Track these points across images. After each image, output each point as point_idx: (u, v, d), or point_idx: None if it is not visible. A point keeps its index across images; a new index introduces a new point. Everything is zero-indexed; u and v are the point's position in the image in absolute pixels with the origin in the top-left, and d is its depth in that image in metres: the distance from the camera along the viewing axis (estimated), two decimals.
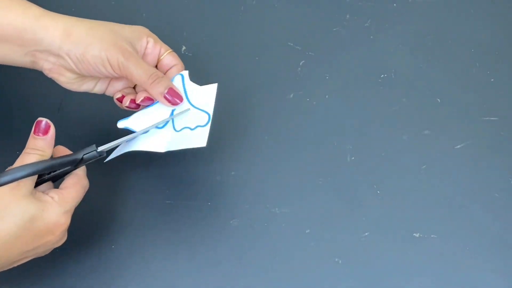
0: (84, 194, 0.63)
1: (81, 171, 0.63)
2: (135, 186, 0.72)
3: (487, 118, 0.76)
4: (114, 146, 0.64)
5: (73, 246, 0.69)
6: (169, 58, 0.68)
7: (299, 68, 0.79)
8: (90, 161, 0.63)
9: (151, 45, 0.67)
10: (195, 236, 0.69)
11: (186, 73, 0.68)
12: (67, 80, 0.66)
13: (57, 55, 0.64)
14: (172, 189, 0.72)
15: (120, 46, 0.63)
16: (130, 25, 0.67)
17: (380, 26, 0.81)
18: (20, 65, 0.66)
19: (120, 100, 0.68)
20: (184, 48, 0.80)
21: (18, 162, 0.60)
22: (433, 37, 0.81)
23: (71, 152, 0.63)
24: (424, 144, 0.74)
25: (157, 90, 0.65)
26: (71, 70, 0.65)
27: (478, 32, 0.81)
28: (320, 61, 0.79)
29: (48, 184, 0.63)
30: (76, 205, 0.62)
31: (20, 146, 0.73)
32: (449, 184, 0.72)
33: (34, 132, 0.61)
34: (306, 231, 0.70)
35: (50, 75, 0.66)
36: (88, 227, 0.70)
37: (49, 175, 0.62)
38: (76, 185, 0.62)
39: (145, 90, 0.66)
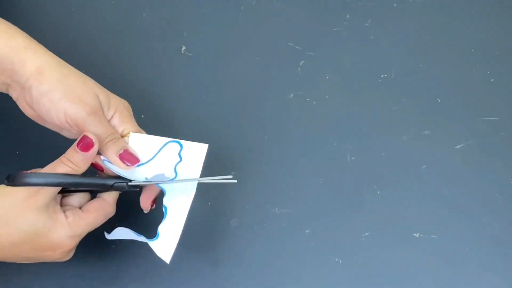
0: (104, 220, 0.62)
1: (110, 198, 0.63)
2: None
3: (487, 118, 0.76)
4: (147, 184, 0.64)
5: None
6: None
7: (299, 68, 0.79)
8: (120, 192, 0.63)
9: (115, 120, 0.64)
10: (195, 236, 0.69)
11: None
12: (30, 114, 0.65)
13: (22, 87, 0.62)
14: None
15: (86, 101, 0.61)
16: (110, 93, 0.65)
17: (380, 26, 0.81)
18: None
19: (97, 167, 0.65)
20: (184, 48, 0.80)
21: (50, 167, 0.60)
22: (433, 37, 0.81)
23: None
24: (424, 144, 0.74)
25: (112, 150, 0.62)
26: (30, 107, 0.63)
27: (478, 32, 0.81)
28: (320, 61, 0.79)
29: (85, 195, 0.62)
30: (91, 230, 0.62)
31: (19, 146, 0.73)
32: (449, 184, 0.72)
33: (77, 145, 0.61)
34: (306, 231, 0.70)
35: (17, 103, 0.65)
36: None
37: (75, 190, 0.62)
38: (97, 210, 0.62)
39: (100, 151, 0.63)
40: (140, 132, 0.65)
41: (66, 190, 0.61)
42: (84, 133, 0.61)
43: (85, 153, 0.60)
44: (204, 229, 0.70)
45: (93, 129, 0.62)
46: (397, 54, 0.80)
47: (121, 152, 0.62)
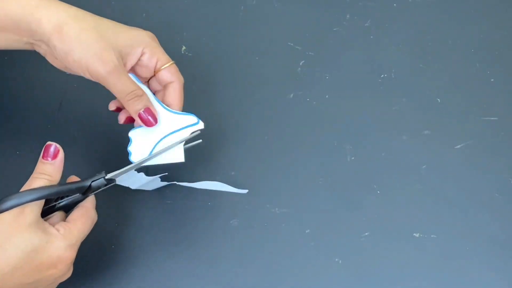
0: (92, 226, 0.61)
1: (88, 203, 0.62)
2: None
3: (487, 118, 0.76)
4: (123, 172, 0.63)
5: None
6: (165, 74, 0.66)
7: (299, 68, 0.79)
8: (99, 190, 0.62)
9: (146, 57, 0.65)
10: (195, 236, 0.69)
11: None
12: (60, 67, 0.66)
13: (47, 45, 0.63)
14: (172, 189, 0.72)
15: (104, 58, 0.61)
16: (133, 29, 0.65)
17: (380, 26, 0.81)
18: (22, 49, 0.65)
19: (115, 111, 0.67)
20: (184, 48, 0.80)
21: (26, 187, 0.59)
22: (433, 37, 0.81)
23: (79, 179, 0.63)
24: (424, 144, 0.74)
25: (132, 108, 0.64)
26: (59, 61, 0.64)
27: (478, 32, 0.81)
28: (320, 61, 0.79)
29: (60, 214, 0.61)
30: (83, 238, 0.61)
31: (20, 146, 0.73)
32: (449, 184, 0.72)
33: (43, 157, 0.60)
34: (306, 231, 0.70)
35: (47, 58, 0.66)
36: None
37: (58, 204, 0.61)
38: (83, 217, 0.61)
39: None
40: (171, 61, 0.66)
41: (45, 212, 0.60)
42: (47, 143, 0.60)
43: (53, 161, 0.60)
44: (204, 229, 0.70)
45: (114, 87, 0.62)
46: (397, 54, 0.80)
47: (141, 111, 0.63)
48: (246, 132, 0.75)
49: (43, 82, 0.78)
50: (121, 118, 0.67)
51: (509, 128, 0.75)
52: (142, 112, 0.64)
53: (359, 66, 0.79)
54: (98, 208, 0.69)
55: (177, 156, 0.65)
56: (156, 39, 0.67)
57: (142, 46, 0.65)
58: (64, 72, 0.81)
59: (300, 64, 0.79)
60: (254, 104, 0.77)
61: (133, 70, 0.66)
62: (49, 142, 0.61)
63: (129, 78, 0.63)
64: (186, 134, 0.66)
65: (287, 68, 0.79)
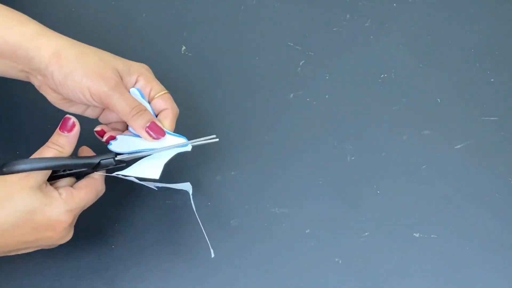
0: (96, 198, 0.63)
1: (98, 175, 0.63)
2: (135, 186, 0.72)
3: (487, 118, 0.76)
4: (133, 157, 0.64)
5: (73, 246, 0.69)
6: (159, 101, 0.66)
7: (299, 68, 0.79)
8: (108, 168, 0.63)
9: (140, 84, 0.65)
10: (195, 236, 0.69)
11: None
12: (54, 100, 0.66)
13: (43, 75, 0.63)
14: (172, 189, 0.72)
15: (105, 76, 0.62)
16: (129, 61, 0.66)
17: (380, 26, 0.81)
18: (17, 78, 0.66)
19: (100, 134, 0.66)
20: (184, 48, 0.80)
21: (37, 154, 0.61)
22: (433, 37, 0.81)
23: (93, 154, 0.64)
24: (424, 144, 0.74)
25: (138, 124, 0.63)
26: (55, 91, 0.64)
27: (478, 32, 0.81)
28: (320, 61, 0.79)
29: (69, 180, 0.63)
30: (85, 207, 0.62)
31: (20, 144, 0.73)
32: (449, 184, 0.72)
33: (60, 128, 0.62)
34: (306, 231, 0.70)
35: (40, 91, 0.66)
36: (88, 227, 0.70)
37: (66, 173, 0.63)
38: (88, 186, 0.62)
39: (126, 123, 0.65)
40: (165, 91, 0.66)
41: (55, 176, 0.62)
42: (66, 116, 0.62)
43: (68, 134, 0.62)
44: (204, 229, 0.70)
45: (117, 103, 0.62)
46: (397, 54, 0.80)
47: (147, 125, 0.63)
48: (246, 132, 0.75)
49: None
50: (106, 137, 0.66)
51: (509, 128, 0.75)
52: (148, 128, 0.64)
53: (359, 66, 0.79)
54: (98, 207, 0.69)
55: (154, 172, 0.64)
56: (151, 71, 0.67)
57: (137, 74, 0.65)
58: None
59: (300, 64, 0.79)
60: (254, 104, 0.77)
61: None
62: (67, 116, 0.63)
63: (131, 96, 0.64)
64: (171, 153, 0.65)
65: (287, 68, 0.79)
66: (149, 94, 0.66)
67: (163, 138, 0.64)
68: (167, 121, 0.66)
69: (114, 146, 0.65)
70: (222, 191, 0.72)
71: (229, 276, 0.68)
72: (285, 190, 0.72)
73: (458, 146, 0.74)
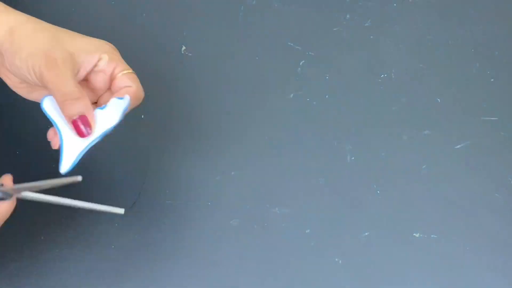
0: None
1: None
2: (135, 186, 0.72)
3: (487, 118, 0.76)
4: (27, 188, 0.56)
5: (73, 246, 0.69)
6: (123, 79, 0.60)
7: (299, 68, 0.79)
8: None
9: (103, 62, 0.59)
10: (195, 236, 0.69)
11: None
12: (13, 84, 0.61)
13: (0, 53, 0.59)
14: (172, 189, 0.72)
15: (49, 55, 0.56)
16: (93, 38, 0.60)
17: (380, 26, 0.81)
18: None
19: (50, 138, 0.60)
20: (184, 48, 0.80)
21: None
22: (433, 37, 0.81)
23: (12, 186, 0.56)
24: (424, 144, 0.74)
25: (67, 112, 0.57)
26: (11, 73, 0.60)
27: (478, 32, 0.81)
28: (320, 61, 0.79)
29: None
30: None
31: (20, 146, 0.73)
32: (449, 184, 0.72)
33: None
34: (306, 231, 0.70)
35: (1, 75, 0.61)
36: (88, 227, 0.70)
37: None
38: None
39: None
40: (128, 70, 0.60)
41: None
42: None
43: None
44: (204, 229, 0.70)
45: (51, 85, 0.56)
46: (397, 54, 0.80)
47: (74, 117, 0.57)
48: (246, 132, 0.75)
49: None
50: (55, 143, 0.60)
51: (509, 128, 0.75)
52: (76, 119, 0.57)
53: (359, 66, 0.79)
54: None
55: (110, 121, 0.58)
56: (117, 50, 0.62)
57: (100, 52, 0.59)
58: None
59: (300, 64, 0.79)
60: (254, 104, 0.77)
61: (88, 78, 0.61)
62: None
63: (71, 79, 0.57)
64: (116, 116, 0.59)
65: (287, 68, 0.79)
66: (112, 72, 0.60)
67: (87, 137, 0.58)
68: (127, 94, 0.60)
69: (46, 103, 0.58)
70: (222, 191, 0.72)
71: (229, 276, 0.68)
72: (285, 190, 0.72)
73: (458, 146, 0.74)
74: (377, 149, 0.74)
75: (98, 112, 0.59)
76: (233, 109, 0.77)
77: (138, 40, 0.81)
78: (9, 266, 0.68)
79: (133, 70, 0.62)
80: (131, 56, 0.80)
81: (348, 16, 0.82)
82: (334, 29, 0.82)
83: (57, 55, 0.56)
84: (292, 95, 0.77)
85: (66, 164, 0.58)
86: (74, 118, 0.57)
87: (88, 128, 0.57)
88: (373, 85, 0.78)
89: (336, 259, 0.68)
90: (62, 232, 0.70)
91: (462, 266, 0.68)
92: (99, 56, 0.59)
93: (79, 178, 0.53)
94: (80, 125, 0.57)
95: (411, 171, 0.73)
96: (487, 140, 0.74)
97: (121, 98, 0.59)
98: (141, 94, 0.61)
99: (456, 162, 0.73)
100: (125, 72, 0.60)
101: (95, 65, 0.60)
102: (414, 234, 0.69)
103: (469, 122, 0.75)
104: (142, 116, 0.76)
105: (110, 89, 0.61)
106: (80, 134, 0.57)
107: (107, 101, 0.60)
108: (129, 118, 0.76)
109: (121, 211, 0.58)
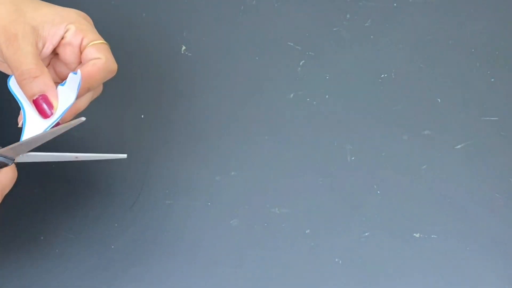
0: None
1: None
2: (135, 186, 0.72)
3: (487, 118, 0.76)
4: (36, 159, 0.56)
5: (73, 246, 0.69)
6: (91, 51, 0.55)
7: (299, 68, 0.79)
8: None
9: (70, 33, 0.55)
10: (195, 236, 0.69)
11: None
12: None
13: None
14: (172, 189, 0.72)
15: (9, 30, 0.52)
16: (61, 7, 0.56)
17: (380, 26, 0.81)
18: None
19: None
20: (184, 48, 0.80)
21: None
22: (433, 37, 0.81)
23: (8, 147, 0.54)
24: (424, 144, 0.74)
25: (27, 91, 0.53)
26: None
27: (478, 32, 0.81)
28: (320, 61, 0.79)
29: None
30: None
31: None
32: (449, 184, 0.72)
33: None
34: (306, 231, 0.70)
35: None
36: (88, 227, 0.70)
37: None
38: None
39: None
40: (102, 40, 0.56)
41: None
42: None
43: None
44: (204, 229, 0.70)
45: (9, 62, 0.53)
46: (397, 54, 0.80)
47: (35, 97, 0.53)
48: (246, 132, 0.75)
49: None
50: (19, 121, 0.57)
51: (509, 128, 0.75)
52: (38, 99, 0.53)
53: (359, 66, 0.79)
54: (98, 207, 0.70)
55: (69, 99, 0.55)
56: (89, 19, 0.58)
57: (66, 22, 0.55)
58: None
59: (300, 64, 0.79)
60: (254, 104, 0.77)
61: (58, 51, 0.57)
62: None
63: (31, 55, 0.53)
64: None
65: (287, 68, 0.79)
66: (81, 44, 0.56)
67: (50, 117, 0.54)
68: (92, 68, 0.55)
69: (12, 81, 0.55)
70: (222, 191, 0.72)
71: (229, 276, 0.68)
72: (285, 190, 0.72)
73: (458, 146, 0.74)
74: (377, 149, 0.74)
75: (60, 89, 0.55)
76: (233, 109, 0.77)
77: (138, 40, 0.81)
78: (9, 266, 0.68)
79: (104, 40, 0.57)
80: (131, 56, 0.81)
81: (348, 16, 0.82)
82: (334, 29, 0.81)
83: (18, 29, 0.52)
84: (292, 95, 0.77)
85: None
86: (35, 97, 0.53)
87: (51, 108, 0.54)
88: (373, 85, 0.78)
89: (336, 259, 0.68)
90: (62, 232, 0.70)
91: (462, 266, 0.68)
92: (65, 27, 0.55)
93: (82, 118, 0.51)
94: (42, 104, 0.54)
95: (411, 171, 0.73)
96: (487, 140, 0.74)
97: (75, 73, 0.55)
98: (111, 66, 0.56)
99: (456, 162, 0.73)
100: (94, 42, 0.56)
101: (62, 37, 0.56)
102: (414, 234, 0.69)
103: (469, 122, 0.75)
104: (142, 116, 0.76)
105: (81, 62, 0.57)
106: (43, 114, 0.54)
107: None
108: (129, 118, 0.76)
109: (123, 156, 0.56)
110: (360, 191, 0.72)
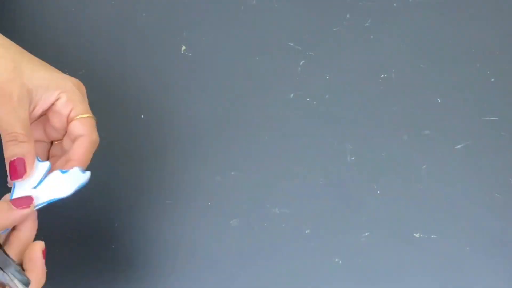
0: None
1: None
2: (135, 186, 0.72)
3: (487, 118, 0.76)
4: None
5: (74, 246, 0.69)
6: (77, 125, 0.56)
7: (299, 68, 0.79)
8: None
9: (60, 102, 0.56)
10: (195, 236, 0.69)
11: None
12: None
13: None
14: (172, 189, 0.72)
15: (5, 89, 0.53)
16: (58, 73, 0.57)
17: (380, 26, 0.81)
18: None
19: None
20: (184, 48, 0.80)
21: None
22: (433, 37, 0.81)
23: None
24: (424, 144, 0.74)
25: (8, 152, 0.54)
26: None
27: (478, 32, 0.81)
28: (320, 61, 0.79)
29: None
30: None
31: None
32: (449, 184, 0.72)
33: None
34: (306, 231, 0.70)
35: None
36: (88, 227, 0.70)
37: None
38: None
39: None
40: (88, 114, 0.57)
41: None
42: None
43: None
44: (204, 229, 0.70)
45: (0, 122, 0.53)
46: (397, 54, 0.80)
47: (12, 158, 0.53)
48: (246, 132, 0.75)
49: None
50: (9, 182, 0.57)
51: (509, 128, 0.75)
52: (14, 160, 0.53)
53: (359, 66, 0.79)
54: (98, 208, 0.70)
55: (65, 189, 0.57)
56: (82, 88, 0.59)
57: (59, 90, 0.56)
58: (65, 72, 0.81)
59: (300, 64, 0.79)
60: (254, 104, 0.77)
61: (47, 115, 0.58)
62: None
63: (22, 120, 0.54)
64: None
65: (287, 68, 0.79)
66: (69, 114, 0.57)
67: (21, 180, 0.54)
68: (80, 150, 0.57)
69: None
70: (222, 191, 0.72)
71: (229, 276, 0.68)
72: (285, 190, 0.72)
73: (458, 146, 0.74)
74: (377, 149, 0.74)
75: (57, 174, 0.57)
76: (233, 109, 0.77)
77: (138, 40, 0.81)
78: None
79: (92, 114, 0.59)
80: (131, 56, 0.81)
81: (348, 16, 0.82)
82: (334, 29, 0.81)
83: (14, 90, 0.53)
84: (292, 95, 0.77)
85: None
86: (13, 159, 0.54)
87: (23, 172, 0.54)
88: (373, 85, 0.78)
89: (336, 259, 0.68)
90: (62, 232, 0.70)
91: (462, 266, 0.68)
92: (57, 95, 0.56)
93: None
94: (17, 165, 0.54)
95: (411, 171, 0.73)
96: (487, 140, 0.74)
97: (83, 172, 0.57)
98: (95, 140, 0.58)
99: (456, 162, 0.73)
100: (81, 116, 0.57)
101: (53, 104, 0.57)
102: (414, 234, 0.69)
103: (469, 122, 0.75)
104: (142, 116, 0.76)
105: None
106: (14, 175, 0.54)
107: (66, 145, 0.58)
108: (129, 118, 0.76)
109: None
110: (360, 191, 0.72)
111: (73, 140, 0.57)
